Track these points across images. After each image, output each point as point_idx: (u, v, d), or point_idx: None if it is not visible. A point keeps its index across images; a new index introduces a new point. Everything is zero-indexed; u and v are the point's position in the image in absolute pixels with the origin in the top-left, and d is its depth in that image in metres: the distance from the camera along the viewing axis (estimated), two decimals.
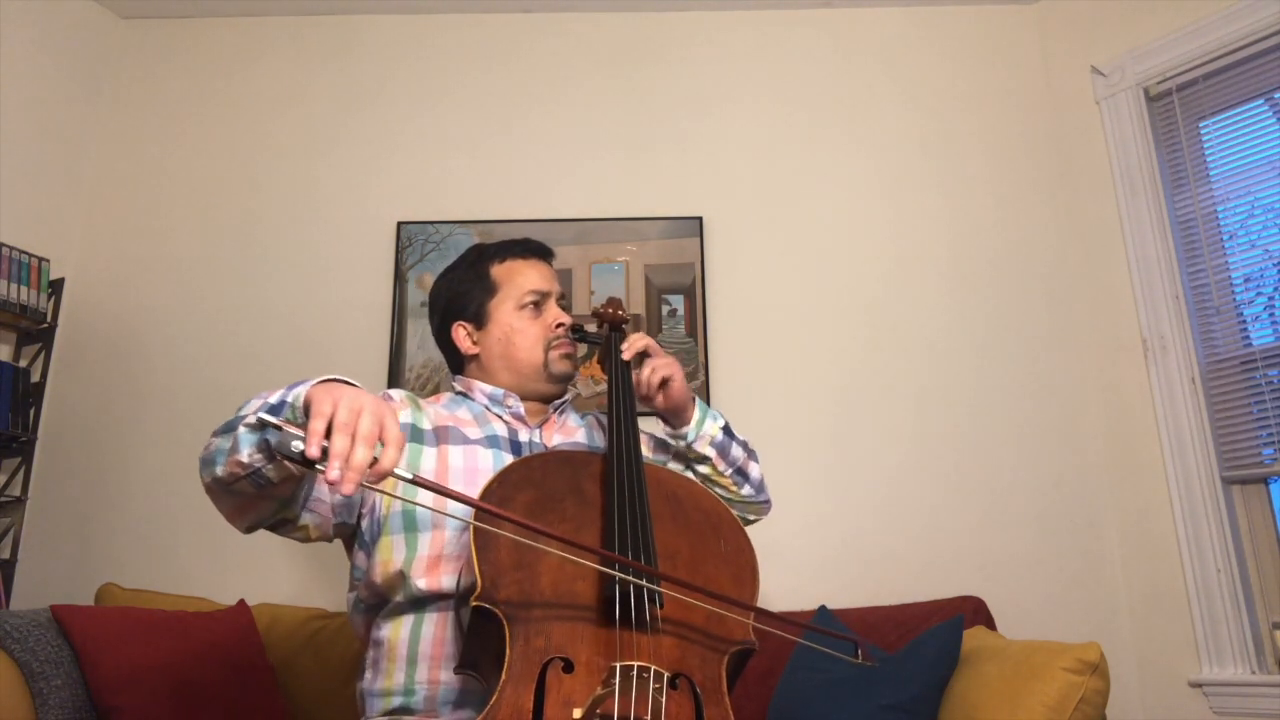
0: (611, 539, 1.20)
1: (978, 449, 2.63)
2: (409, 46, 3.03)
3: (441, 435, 1.48)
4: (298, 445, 0.98)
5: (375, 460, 0.99)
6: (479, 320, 1.61)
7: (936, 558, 2.52)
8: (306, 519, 1.34)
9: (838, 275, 2.80)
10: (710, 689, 1.12)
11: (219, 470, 1.17)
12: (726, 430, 1.62)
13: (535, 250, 1.66)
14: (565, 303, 1.65)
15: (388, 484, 1.23)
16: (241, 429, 1.13)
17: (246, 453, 1.12)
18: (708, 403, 2.59)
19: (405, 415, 1.48)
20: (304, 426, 1.01)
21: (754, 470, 1.67)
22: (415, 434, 1.46)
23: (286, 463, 1.06)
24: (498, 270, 1.62)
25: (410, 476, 0.99)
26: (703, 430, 1.59)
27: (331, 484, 0.96)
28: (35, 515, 2.57)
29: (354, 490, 0.97)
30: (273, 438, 1.08)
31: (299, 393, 1.13)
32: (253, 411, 1.14)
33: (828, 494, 2.59)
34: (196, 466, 1.26)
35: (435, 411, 1.54)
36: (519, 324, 1.58)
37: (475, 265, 1.64)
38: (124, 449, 2.66)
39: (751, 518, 1.70)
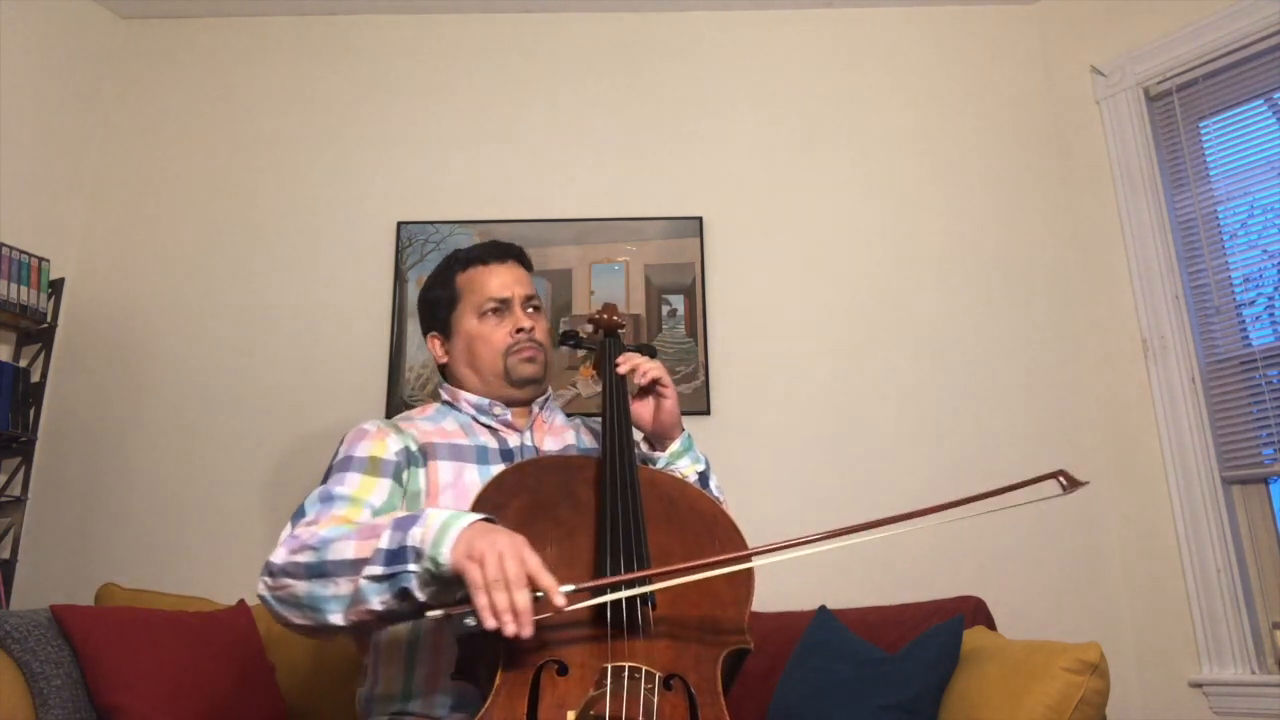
0: (604, 543, 1.22)
1: (978, 449, 2.63)
2: (409, 46, 3.03)
3: (429, 452, 1.48)
4: (471, 621, 1.03)
5: (537, 596, 1.03)
6: (446, 330, 1.61)
7: (936, 558, 2.51)
8: None
9: (837, 275, 2.79)
10: (705, 689, 1.12)
11: (335, 619, 1.16)
12: (703, 478, 1.57)
13: (498, 254, 1.62)
14: (536, 302, 1.62)
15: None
16: (363, 581, 1.12)
17: (379, 600, 1.12)
18: (707, 404, 2.60)
19: (394, 442, 1.47)
20: (439, 580, 1.07)
21: None
22: (411, 457, 1.46)
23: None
24: (461, 279, 1.61)
25: (572, 588, 1.05)
26: (675, 465, 1.55)
27: (515, 637, 1.01)
28: (35, 515, 2.57)
29: (533, 630, 1.02)
30: (408, 582, 1.09)
31: (434, 552, 1.08)
32: (360, 560, 1.14)
33: (828, 493, 2.59)
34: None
35: (420, 426, 1.54)
36: (479, 331, 1.56)
37: (443, 274, 1.64)
38: (124, 449, 2.66)
39: None
